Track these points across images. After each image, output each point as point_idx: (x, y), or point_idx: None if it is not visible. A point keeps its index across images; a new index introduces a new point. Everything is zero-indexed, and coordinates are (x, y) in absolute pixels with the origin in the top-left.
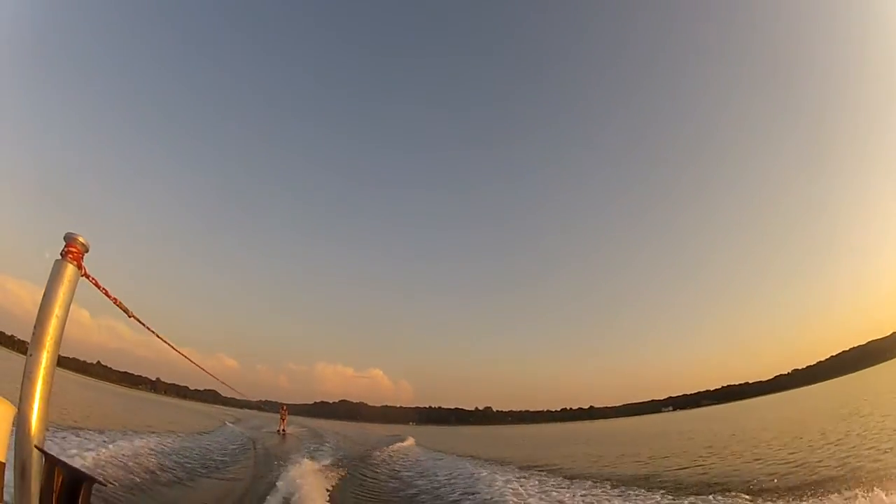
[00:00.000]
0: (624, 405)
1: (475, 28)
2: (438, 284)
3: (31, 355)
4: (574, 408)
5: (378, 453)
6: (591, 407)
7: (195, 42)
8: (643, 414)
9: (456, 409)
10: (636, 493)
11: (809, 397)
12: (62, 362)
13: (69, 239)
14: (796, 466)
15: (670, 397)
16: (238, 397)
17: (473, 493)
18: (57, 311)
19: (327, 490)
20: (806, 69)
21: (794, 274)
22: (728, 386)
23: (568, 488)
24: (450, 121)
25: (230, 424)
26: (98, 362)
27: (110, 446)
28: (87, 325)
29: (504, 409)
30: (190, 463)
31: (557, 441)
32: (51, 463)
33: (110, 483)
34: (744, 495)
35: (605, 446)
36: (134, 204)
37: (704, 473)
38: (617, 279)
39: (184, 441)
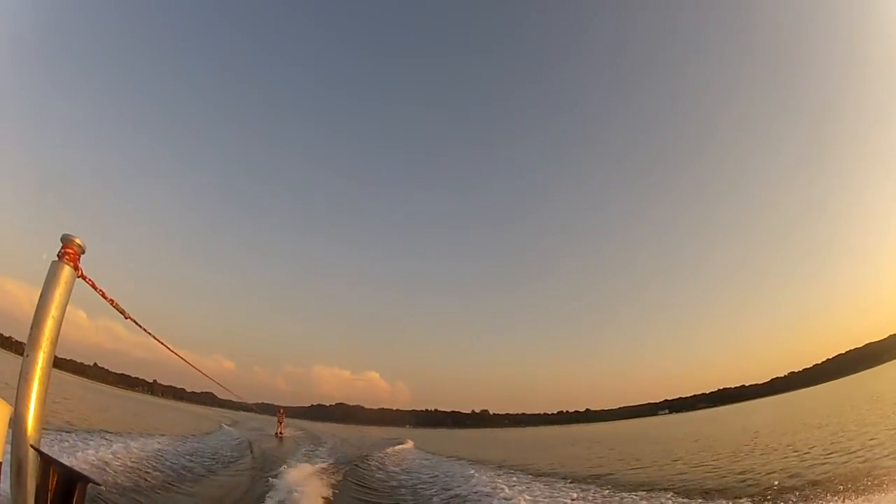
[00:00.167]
0: (620, 408)
1: (475, 28)
2: (436, 286)
3: (27, 356)
4: (570, 411)
5: (376, 456)
6: (587, 410)
7: (194, 41)
8: (639, 417)
9: (452, 411)
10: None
11: (805, 400)
12: (58, 363)
13: (66, 240)
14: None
15: (666, 400)
16: (235, 399)
17: (472, 498)
18: (53, 312)
19: (325, 494)
20: (806, 69)
21: (791, 277)
22: (724, 389)
23: (561, 490)
24: (449, 120)
25: (227, 427)
26: (95, 364)
27: (107, 447)
28: (83, 325)
29: (501, 412)
30: (187, 465)
31: (554, 444)
32: (46, 463)
33: (105, 484)
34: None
35: (596, 449)
36: (132, 204)
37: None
38: (613, 282)
39: (181, 443)
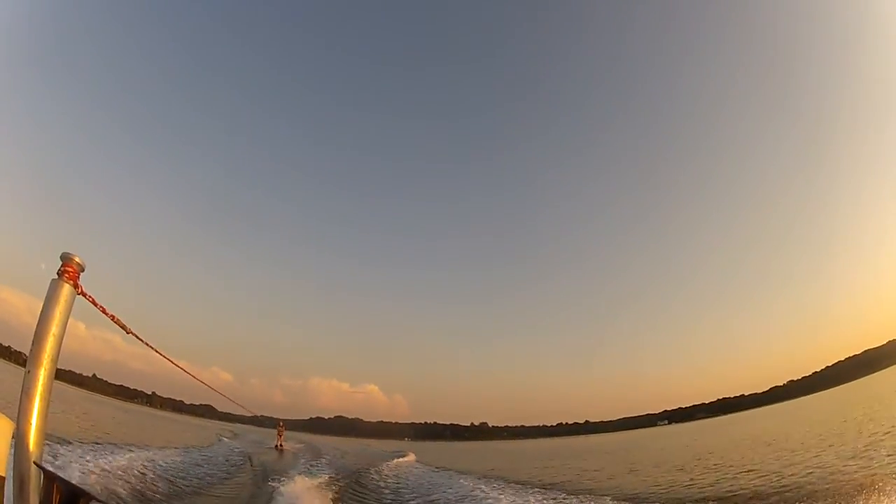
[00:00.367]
0: (619, 419)
1: (471, 36)
2: (434, 298)
3: (28, 372)
4: (570, 422)
5: (378, 469)
6: (586, 421)
7: (189, 45)
8: (639, 428)
9: (451, 424)
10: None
11: (801, 409)
12: (58, 374)
13: (65, 259)
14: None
15: (665, 410)
16: (235, 411)
17: None
18: (54, 329)
19: None
20: (803, 70)
21: (788, 284)
22: (723, 398)
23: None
24: (447, 127)
25: (226, 440)
26: (94, 375)
27: (108, 460)
28: (82, 336)
29: (500, 425)
30: (187, 478)
31: (554, 456)
32: (49, 479)
33: (107, 499)
34: None
35: (591, 461)
36: (127, 212)
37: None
38: (611, 293)
39: (181, 456)
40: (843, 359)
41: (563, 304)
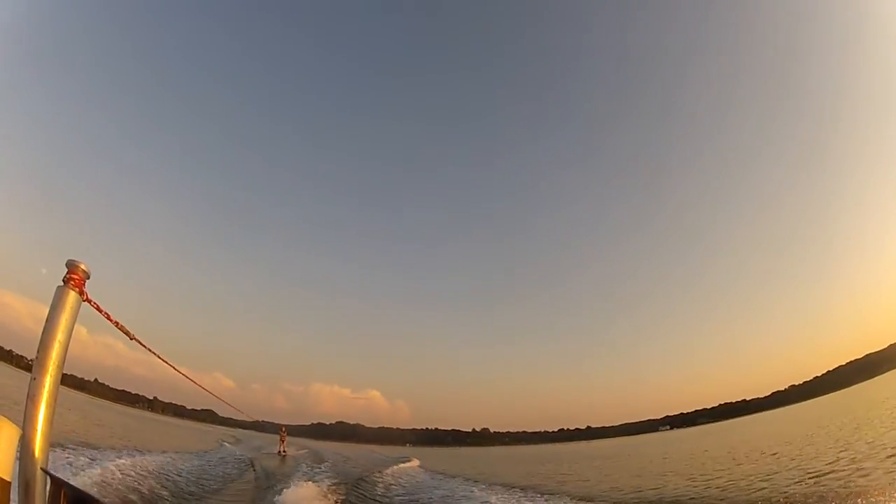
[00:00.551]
0: (621, 425)
1: (472, 40)
2: (436, 303)
3: (34, 379)
4: (571, 428)
5: (382, 475)
6: (588, 427)
7: (191, 49)
8: (640, 433)
9: (453, 430)
10: None
11: (805, 413)
12: (61, 379)
13: (71, 266)
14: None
15: (667, 416)
16: (236, 417)
17: None
18: (59, 336)
19: None
20: (804, 75)
21: (789, 289)
22: (725, 403)
23: None
24: (447, 133)
25: (228, 445)
26: (95, 379)
27: (113, 465)
28: (84, 341)
29: (501, 430)
30: (191, 482)
31: (555, 461)
32: (56, 484)
33: (118, 502)
34: None
35: (591, 466)
36: (129, 217)
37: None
38: (613, 298)
39: (184, 460)
40: (844, 363)
41: (564, 308)
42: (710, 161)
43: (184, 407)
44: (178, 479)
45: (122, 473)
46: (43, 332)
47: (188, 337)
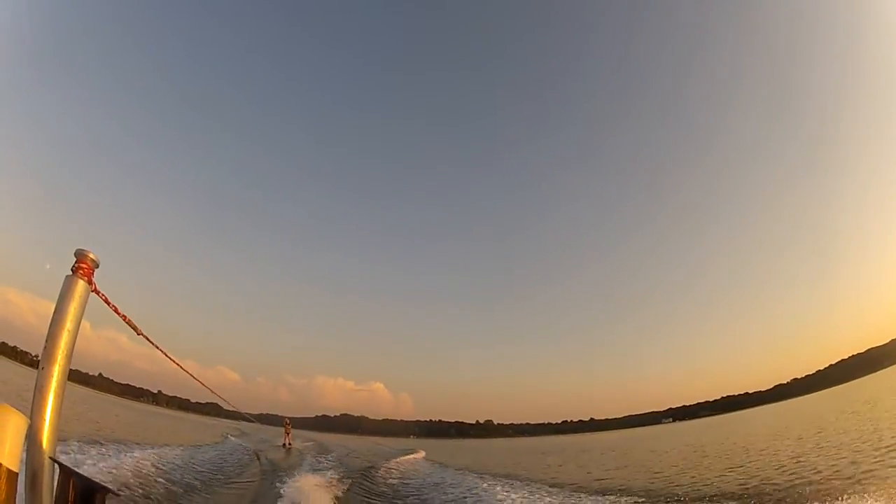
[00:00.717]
0: (624, 417)
1: (475, 39)
2: (440, 297)
3: (42, 369)
4: (574, 420)
5: (388, 466)
6: (591, 419)
7: (194, 48)
8: (643, 425)
9: (456, 422)
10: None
11: (799, 408)
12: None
13: (80, 255)
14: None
15: (670, 408)
16: (240, 410)
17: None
18: (68, 325)
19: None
20: (806, 74)
21: (792, 283)
22: (728, 396)
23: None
24: (453, 131)
25: (233, 438)
26: (100, 374)
27: (118, 457)
28: (88, 336)
29: (505, 422)
30: (197, 474)
31: (558, 453)
32: (66, 474)
33: (125, 493)
34: None
35: (595, 458)
36: (131, 213)
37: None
38: (617, 291)
39: (190, 453)
40: (846, 357)
41: (568, 302)
42: (715, 157)
43: (188, 400)
44: (185, 471)
45: (127, 466)
46: (51, 322)
47: (192, 331)
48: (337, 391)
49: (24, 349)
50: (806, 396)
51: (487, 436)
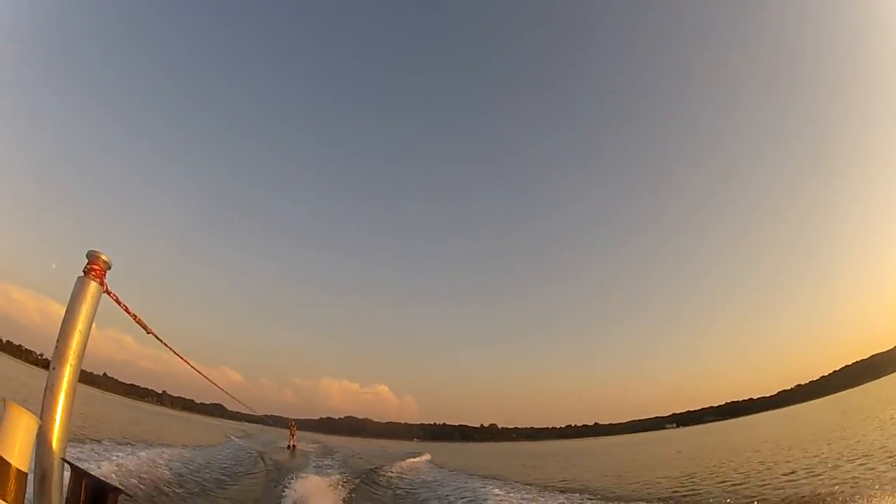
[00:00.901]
0: (628, 422)
1: (476, 39)
2: (444, 300)
3: (53, 369)
4: (578, 424)
5: (392, 469)
6: (595, 424)
7: (197, 50)
8: (647, 431)
9: (461, 425)
10: None
11: (809, 413)
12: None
13: (91, 257)
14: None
15: (674, 413)
16: (245, 411)
17: None
18: (80, 326)
19: None
20: (809, 76)
21: (797, 289)
22: (732, 402)
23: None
24: (452, 131)
25: (237, 439)
26: (105, 374)
27: (123, 458)
28: (93, 335)
29: (509, 426)
30: (205, 475)
31: (562, 457)
32: (77, 474)
33: (134, 494)
34: None
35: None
36: (136, 213)
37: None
38: (620, 291)
39: (197, 454)
40: (851, 363)
41: (572, 307)
42: (722, 159)
43: (193, 401)
44: (193, 472)
45: (132, 467)
46: (63, 323)
47: (193, 330)
48: (342, 393)
49: (28, 347)
50: (810, 402)
51: (492, 440)
